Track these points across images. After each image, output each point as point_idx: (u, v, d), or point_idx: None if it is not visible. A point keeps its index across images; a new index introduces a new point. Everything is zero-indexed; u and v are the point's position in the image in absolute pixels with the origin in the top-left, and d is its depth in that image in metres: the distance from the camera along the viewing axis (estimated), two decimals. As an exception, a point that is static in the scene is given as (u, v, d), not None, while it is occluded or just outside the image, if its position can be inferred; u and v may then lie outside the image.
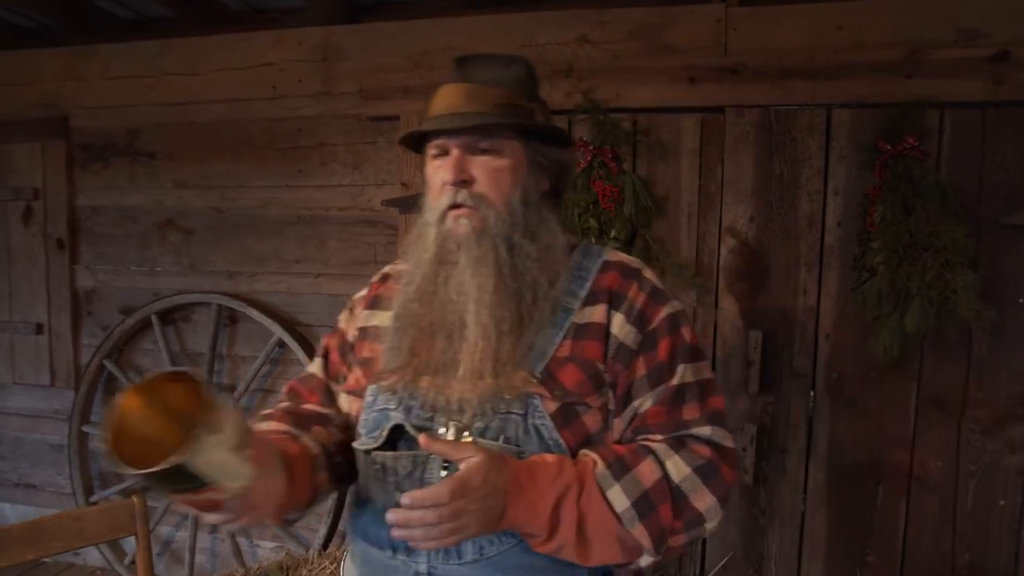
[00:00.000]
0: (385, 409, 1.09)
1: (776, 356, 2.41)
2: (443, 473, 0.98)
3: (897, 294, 2.18)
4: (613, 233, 2.38)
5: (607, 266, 1.14)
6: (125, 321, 3.07)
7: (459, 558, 1.00)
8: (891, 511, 2.37)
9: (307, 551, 2.81)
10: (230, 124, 2.96)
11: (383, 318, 1.18)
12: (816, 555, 2.44)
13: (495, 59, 1.15)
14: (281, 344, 2.88)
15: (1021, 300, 2.23)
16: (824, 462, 2.40)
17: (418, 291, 1.11)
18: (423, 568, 1.02)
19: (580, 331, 1.07)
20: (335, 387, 1.25)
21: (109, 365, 3.09)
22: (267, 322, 2.86)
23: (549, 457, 0.99)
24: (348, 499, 1.15)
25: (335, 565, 2.50)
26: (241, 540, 3.07)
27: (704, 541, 2.51)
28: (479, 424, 1.02)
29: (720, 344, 2.45)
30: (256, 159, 2.93)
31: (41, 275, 3.20)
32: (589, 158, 2.42)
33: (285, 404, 1.24)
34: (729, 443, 1.07)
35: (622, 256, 1.18)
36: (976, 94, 2.21)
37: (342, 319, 1.30)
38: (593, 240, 2.38)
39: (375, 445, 1.06)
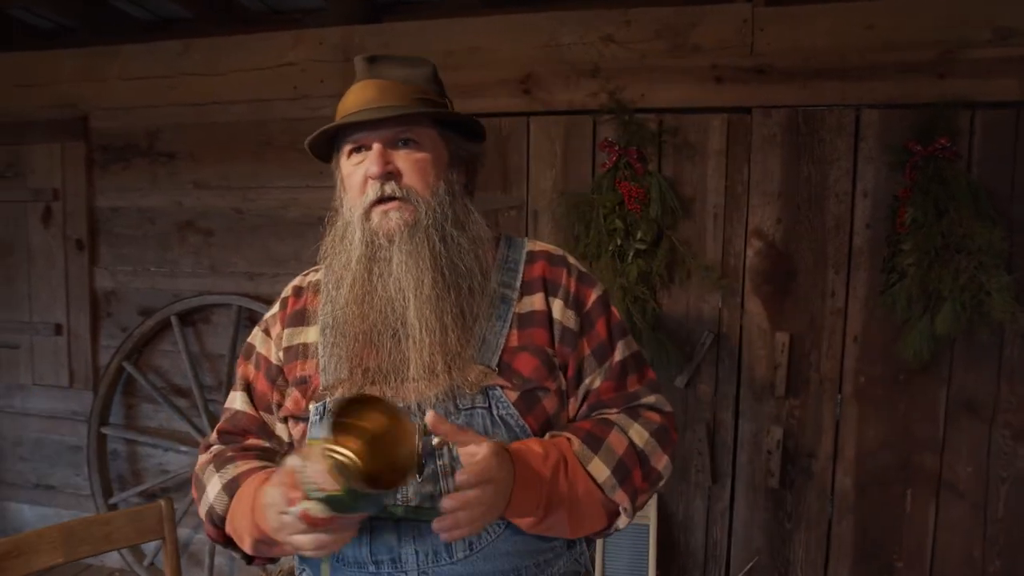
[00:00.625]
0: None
1: (803, 359, 2.39)
2: (417, 477, 0.95)
3: (928, 296, 2.16)
4: (639, 235, 2.36)
5: (533, 256, 1.16)
6: (144, 322, 3.07)
7: (450, 557, 0.99)
8: (920, 517, 2.34)
9: (328, 554, 2.80)
10: (251, 124, 2.95)
11: (310, 333, 1.14)
12: (843, 561, 2.41)
13: (402, 59, 1.16)
14: (301, 345, 2.86)
15: (1054, 303, 2.20)
16: (851, 467, 2.38)
17: (351, 293, 1.07)
18: (413, 574, 1.00)
19: (524, 320, 1.09)
20: (267, 418, 1.18)
21: (128, 367, 3.09)
22: (287, 323, 2.84)
23: (531, 443, 1.01)
24: None
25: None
26: (260, 542, 3.06)
27: (729, 545, 2.49)
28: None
29: (746, 347, 2.43)
30: (277, 160, 2.92)
31: (60, 276, 3.20)
32: (615, 159, 2.40)
33: (218, 448, 1.17)
34: (669, 408, 1.17)
35: (544, 245, 1.20)
36: (1010, 93, 2.19)
37: (258, 343, 1.22)
38: (619, 242, 2.36)
39: None
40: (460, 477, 0.85)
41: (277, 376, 1.17)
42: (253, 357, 1.21)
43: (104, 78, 3.11)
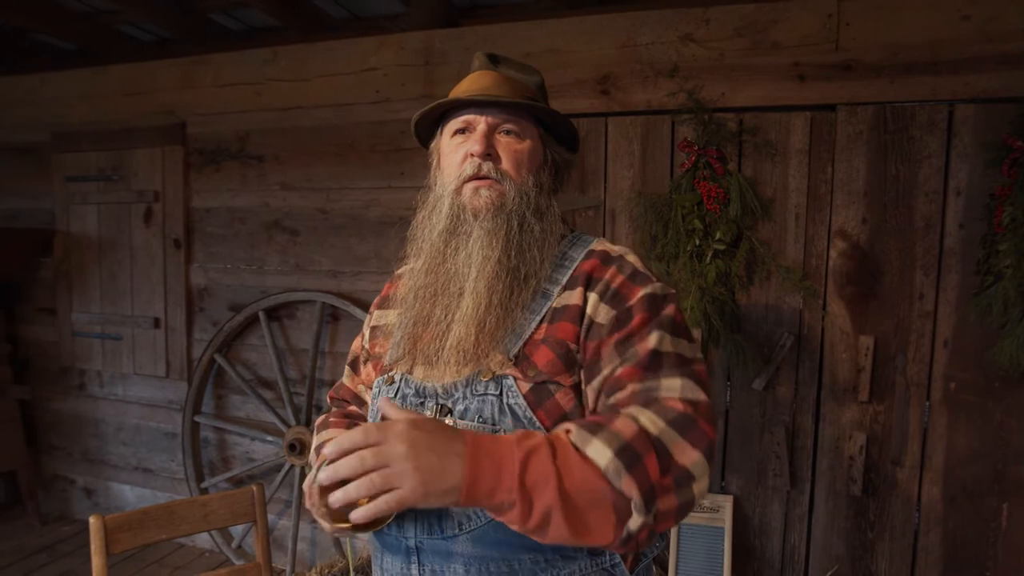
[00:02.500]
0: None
1: (888, 363, 2.31)
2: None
3: (1027, 300, 2.06)
4: (718, 235, 2.34)
5: (590, 254, 1.14)
6: (234, 317, 3.23)
7: (441, 532, 1.03)
8: (1017, 532, 2.23)
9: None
10: (334, 128, 3.06)
11: (391, 316, 1.24)
12: (931, 573, 2.32)
13: (518, 63, 1.23)
14: (381, 341, 2.95)
15: None
16: (940, 476, 2.29)
17: (425, 263, 1.14)
18: (411, 543, 1.05)
19: (556, 314, 1.08)
20: (363, 389, 1.33)
21: (219, 359, 3.25)
22: (368, 320, 2.94)
23: (513, 434, 0.94)
24: None
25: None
26: (340, 530, 3.18)
27: (807, 552, 2.44)
28: (460, 406, 1.06)
29: (828, 349, 2.37)
30: (359, 161, 3.03)
31: (159, 273, 3.40)
32: (694, 159, 2.39)
33: (327, 413, 1.34)
34: (702, 396, 0.97)
35: (608, 245, 1.16)
36: (1120, 86, 2.07)
37: (365, 323, 1.36)
38: (698, 242, 2.35)
39: None
40: (328, 448, 0.85)
41: (364, 352, 1.31)
42: (360, 335, 1.37)
43: (199, 86, 3.29)
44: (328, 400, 1.39)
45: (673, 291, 1.09)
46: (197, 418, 3.34)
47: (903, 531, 2.34)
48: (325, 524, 0.97)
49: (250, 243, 3.27)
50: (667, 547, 2.42)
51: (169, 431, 3.50)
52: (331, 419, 1.30)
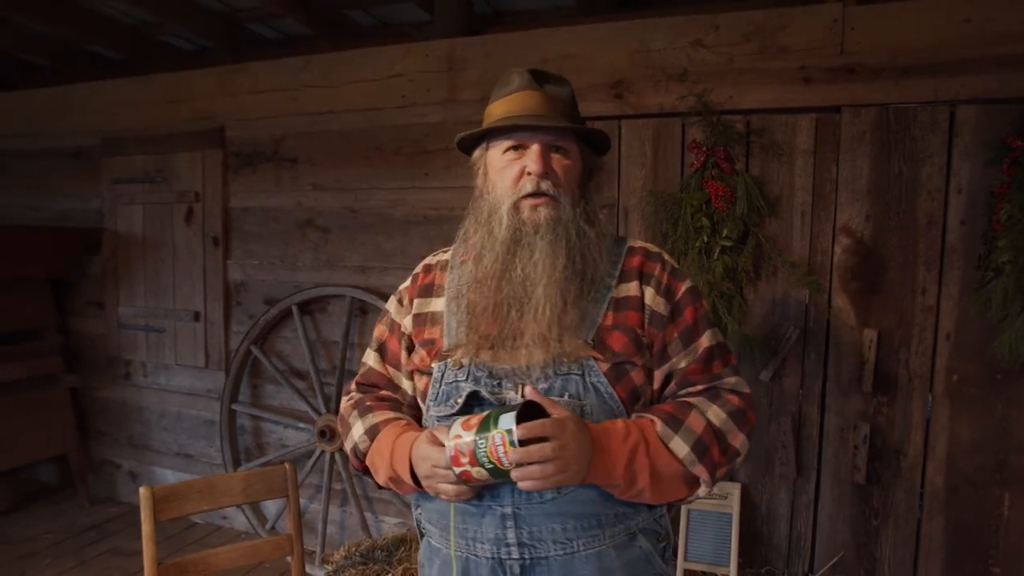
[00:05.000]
0: (455, 381, 1.24)
1: (891, 356, 2.39)
2: (490, 466, 1.10)
3: (1024, 294, 2.13)
4: (725, 232, 2.44)
5: (632, 251, 1.32)
6: (269, 311, 3.41)
7: (540, 498, 1.16)
8: (1019, 520, 2.29)
9: (428, 526, 3.03)
10: (363, 131, 3.23)
11: (437, 304, 1.34)
12: (933, 561, 2.39)
13: (555, 77, 1.33)
14: (406, 334, 3.10)
15: None
16: (943, 466, 2.36)
17: (492, 269, 1.24)
18: (508, 510, 1.16)
19: (619, 304, 1.26)
20: (394, 373, 1.42)
21: (255, 350, 3.44)
22: (394, 314, 3.09)
23: (616, 422, 1.16)
24: None
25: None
26: (367, 514, 3.34)
27: (813, 538, 2.52)
28: (543, 385, 1.18)
29: (833, 342, 2.45)
30: (386, 163, 3.18)
31: (199, 269, 3.60)
32: (702, 159, 2.49)
33: (358, 396, 1.42)
34: (747, 389, 1.28)
35: (643, 243, 1.36)
36: (1119, 86, 2.12)
37: (392, 310, 1.44)
38: (706, 239, 2.45)
39: (453, 411, 1.21)
40: (520, 431, 1.01)
41: (404, 339, 1.39)
42: (387, 321, 1.45)
43: (237, 92, 3.48)
44: (354, 386, 1.45)
45: (696, 283, 1.37)
46: (234, 406, 3.53)
47: (907, 519, 2.42)
48: (449, 488, 1.13)
49: (284, 241, 3.45)
50: (677, 532, 2.53)
51: (208, 419, 3.70)
52: (369, 402, 1.39)
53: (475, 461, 1.04)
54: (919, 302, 2.35)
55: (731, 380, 1.27)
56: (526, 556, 1.17)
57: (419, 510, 1.36)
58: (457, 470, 1.07)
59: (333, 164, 3.32)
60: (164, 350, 3.72)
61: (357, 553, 2.74)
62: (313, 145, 3.35)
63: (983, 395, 2.30)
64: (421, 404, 1.35)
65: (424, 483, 1.17)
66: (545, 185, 1.23)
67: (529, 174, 1.23)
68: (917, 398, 2.37)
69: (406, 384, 1.40)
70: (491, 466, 1.03)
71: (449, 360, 1.26)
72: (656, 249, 1.35)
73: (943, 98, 2.30)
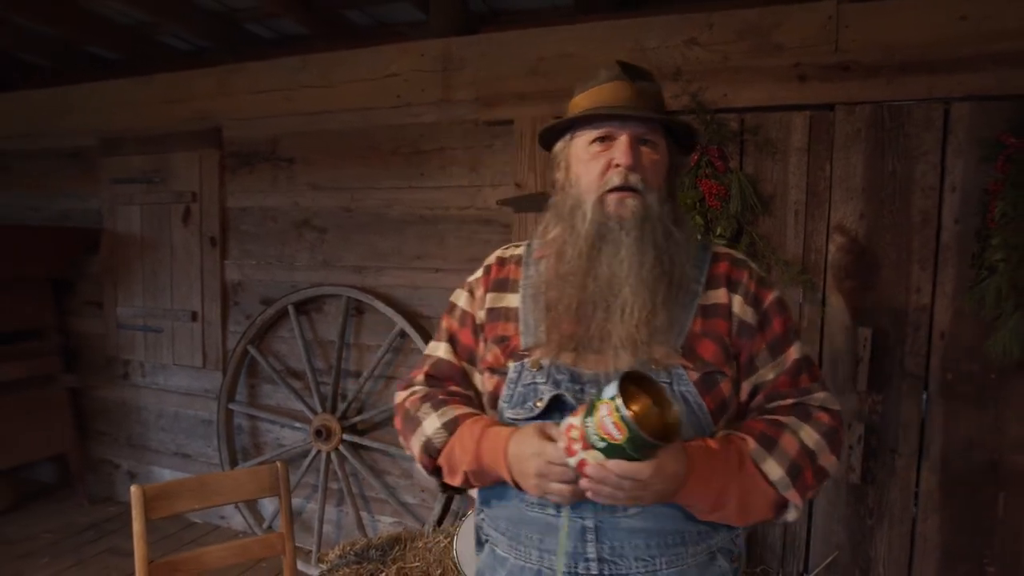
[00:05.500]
0: (533, 383, 1.17)
1: (886, 354, 2.38)
2: (601, 444, 1.05)
3: (1018, 293, 2.11)
4: (719, 230, 2.44)
5: (718, 256, 1.27)
6: (266, 311, 3.41)
7: (624, 510, 1.11)
8: (1014, 520, 2.28)
9: (423, 526, 3.03)
10: (358, 131, 3.23)
11: (511, 299, 1.28)
12: (928, 561, 2.38)
13: (644, 71, 1.27)
14: (402, 334, 3.11)
15: None
16: (938, 465, 2.35)
17: (575, 265, 1.18)
18: (590, 523, 1.12)
19: (708, 311, 1.21)
20: (468, 368, 1.34)
21: (252, 350, 3.45)
22: (390, 313, 3.10)
23: (713, 443, 1.11)
24: None
25: (448, 540, 2.70)
26: (364, 514, 3.34)
27: (808, 538, 2.51)
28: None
29: (827, 341, 2.44)
30: (381, 163, 3.19)
31: (197, 269, 3.61)
32: (696, 157, 2.48)
33: (425, 389, 1.33)
34: (837, 406, 1.23)
35: (728, 249, 1.32)
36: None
37: (462, 303, 1.36)
38: (699, 237, 2.44)
39: (533, 415, 1.16)
40: (613, 464, 0.97)
41: (478, 332, 1.32)
42: (457, 313, 1.37)
43: (234, 93, 3.49)
44: (422, 376, 1.36)
45: (781, 292, 1.33)
46: (231, 406, 3.54)
47: (901, 519, 2.40)
48: (564, 488, 1.05)
49: (281, 240, 3.46)
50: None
51: (205, 418, 3.71)
52: (442, 395, 1.30)
53: (587, 443, 0.97)
54: (913, 301, 2.34)
55: (820, 395, 1.22)
56: (605, 572, 1.12)
57: (482, 515, 1.30)
58: (572, 461, 1.00)
59: (329, 164, 3.32)
60: (162, 350, 3.73)
61: (352, 552, 2.74)
62: (309, 145, 3.36)
63: (978, 394, 2.29)
64: (487, 404, 1.29)
65: (534, 482, 1.07)
66: (633, 179, 1.17)
67: (617, 166, 1.17)
68: (912, 397, 2.36)
69: (479, 379, 1.33)
70: (603, 443, 0.96)
71: (527, 360, 1.19)
72: (742, 256, 1.31)
73: (937, 96, 2.28)
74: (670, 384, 1.14)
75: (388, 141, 3.17)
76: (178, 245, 3.65)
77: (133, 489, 1.86)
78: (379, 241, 3.22)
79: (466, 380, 1.34)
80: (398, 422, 1.35)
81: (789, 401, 1.20)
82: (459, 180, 3.04)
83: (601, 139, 1.20)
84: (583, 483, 1.00)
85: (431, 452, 1.26)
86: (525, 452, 1.08)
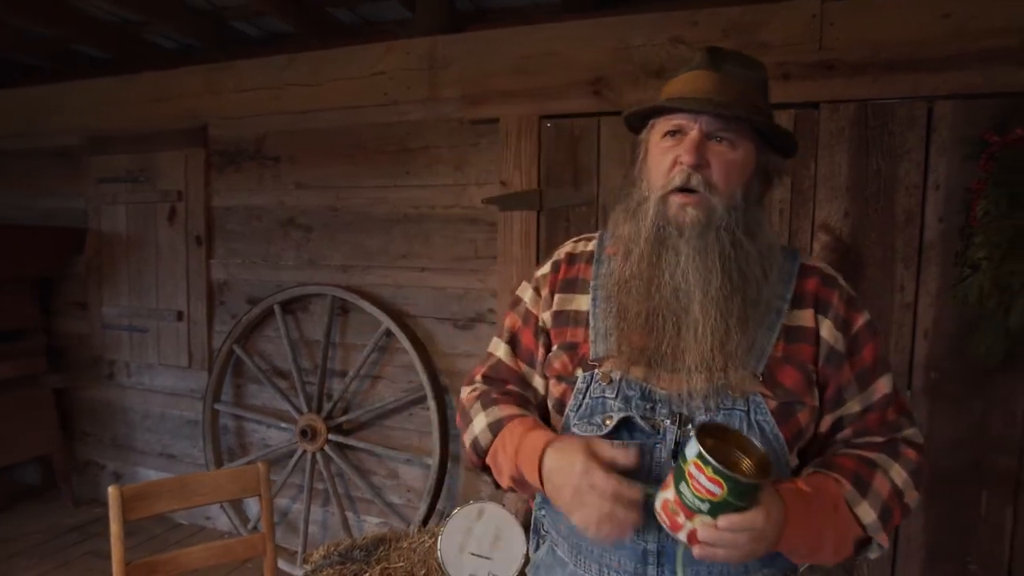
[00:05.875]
0: (602, 397, 1.11)
1: (871, 354, 2.37)
2: (673, 463, 1.01)
3: (1001, 291, 2.11)
4: (702, 229, 2.43)
5: (807, 270, 1.17)
6: (251, 310, 3.39)
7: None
8: (997, 519, 2.28)
9: (408, 526, 3.02)
10: (345, 130, 3.22)
11: (581, 302, 1.20)
12: (913, 560, 2.38)
13: (741, 58, 1.16)
14: (388, 333, 3.10)
15: None
16: (923, 464, 2.34)
17: (638, 269, 1.11)
18: (652, 547, 1.07)
19: (792, 334, 1.11)
20: (527, 370, 1.28)
21: (237, 349, 3.43)
22: (376, 312, 3.09)
23: (806, 486, 1.05)
24: None
25: (433, 540, 2.68)
26: (349, 514, 3.32)
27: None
28: (703, 418, 1.06)
29: (812, 340, 2.44)
30: (367, 161, 3.17)
31: (182, 268, 3.59)
32: (679, 156, 2.47)
33: (483, 387, 1.29)
34: (921, 439, 1.18)
35: (816, 261, 1.21)
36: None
37: (527, 299, 1.30)
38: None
39: (601, 433, 1.09)
40: (723, 521, 0.92)
41: (541, 334, 1.25)
42: (521, 310, 1.30)
43: (221, 91, 3.47)
44: (479, 377, 1.32)
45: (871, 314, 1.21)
46: (217, 406, 3.52)
47: (886, 518, 2.40)
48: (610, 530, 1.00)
49: (267, 239, 3.44)
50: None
51: (191, 419, 3.69)
52: (495, 394, 1.25)
53: (690, 511, 0.93)
54: (898, 299, 2.34)
55: (909, 432, 1.16)
56: None
57: (543, 511, 1.25)
58: (682, 535, 0.95)
59: (315, 162, 3.30)
60: (147, 350, 3.71)
61: (336, 553, 2.73)
62: (296, 143, 3.34)
63: (962, 393, 2.29)
64: (552, 409, 1.23)
65: (576, 513, 1.01)
66: (696, 180, 1.06)
67: (681, 164, 1.07)
68: (896, 396, 2.36)
69: (538, 382, 1.27)
70: (707, 504, 0.91)
71: (597, 372, 1.12)
72: (832, 272, 1.19)
73: (921, 94, 2.28)
74: (747, 412, 1.07)
75: (374, 139, 3.15)
76: (164, 244, 3.62)
77: (111, 490, 1.85)
78: (365, 240, 3.21)
79: (523, 383, 1.29)
80: (458, 419, 1.32)
81: (879, 440, 1.14)
82: (445, 179, 3.03)
83: (672, 132, 1.11)
84: (696, 552, 0.94)
85: (479, 452, 1.23)
86: (566, 471, 1.02)
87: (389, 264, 3.15)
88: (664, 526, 0.96)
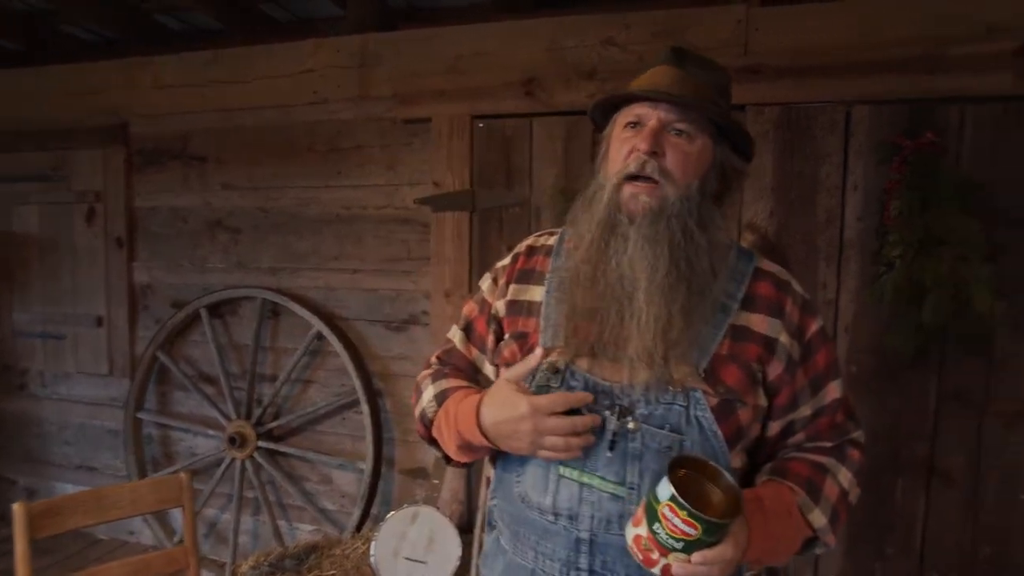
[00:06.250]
0: (547, 387, 1.11)
1: (796, 350, 2.45)
2: (608, 453, 1.06)
3: (914, 287, 2.21)
4: (634, 229, 2.46)
5: (760, 274, 1.17)
6: (176, 315, 3.27)
7: (620, 529, 1.05)
8: (910, 505, 2.38)
9: (341, 533, 2.95)
10: (274, 128, 3.13)
11: (535, 292, 1.22)
12: (835, 547, 2.46)
13: (704, 59, 1.19)
14: (320, 336, 3.03)
15: (1043, 294, 2.23)
16: (844, 455, 2.43)
17: (587, 254, 1.12)
18: (585, 535, 1.08)
19: (739, 333, 1.12)
20: (478, 356, 1.32)
21: (162, 356, 3.30)
22: (307, 315, 3.02)
23: (764, 498, 1.07)
24: (498, 465, 1.22)
25: (366, 545, 2.64)
26: (281, 522, 3.23)
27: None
28: (643, 410, 1.07)
29: (740, 337, 2.50)
30: (297, 161, 3.10)
31: (102, 272, 3.43)
32: (611, 156, 2.50)
33: (436, 368, 1.34)
34: (863, 439, 1.24)
35: (771, 265, 1.21)
36: (999, 88, 2.22)
37: (485, 288, 1.33)
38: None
39: None
40: (697, 557, 0.93)
41: (493, 322, 1.28)
42: (479, 299, 1.34)
43: (142, 87, 3.34)
44: (435, 359, 1.37)
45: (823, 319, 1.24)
46: (140, 415, 3.37)
47: (811, 508, 2.47)
48: (557, 442, 1.05)
49: (193, 242, 3.32)
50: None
51: (113, 429, 3.53)
52: (447, 370, 1.31)
53: (664, 549, 0.94)
54: (820, 296, 2.42)
55: (856, 434, 1.22)
56: None
57: (495, 501, 1.25)
58: (656, 570, 0.97)
59: (243, 162, 3.21)
60: (64, 358, 3.53)
61: (266, 563, 2.65)
62: (222, 142, 3.24)
63: (879, 386, 2.38)
64: None
65: (529, 448, 1.07)
66: (651, 167, 1.08)
67: (637, 151, 1.09)
68: (819, 390, 2.44)
69: (489, 369, 1.30)
70: (681, 543, 0.93)
71: (544, 362, 1.13)
72: (787, 276, 1.19)
73: (840, 98, 2.37)
74: (686, 408, 1.07)
75: (304, 138, 3.08)
76: (81, 247, 3.45)
77: (15, 507, 1.74)
78: (295, 241, 3.13)
79: (473, 369, 1.33)
80: (413, 398, 1.36)
81: (828, 444, 1.18)
82: (377, 179, 2.98)
83: (632, 124, 1.13)
84: None
85: (426, 423, 1.29)
86: (515, 421, 1.06)
87: (320, 266, 3.09)
88: (637, 559, 0.98)
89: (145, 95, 3.33)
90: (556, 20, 2.69)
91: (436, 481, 2.60)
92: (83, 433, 3.61)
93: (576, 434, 1.05)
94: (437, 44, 2.83)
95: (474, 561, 2.47)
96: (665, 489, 0.93)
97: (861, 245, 2.37)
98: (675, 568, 0.95)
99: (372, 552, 2.45)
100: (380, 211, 2.98)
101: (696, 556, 0.93)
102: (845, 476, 1.16)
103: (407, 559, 2.46)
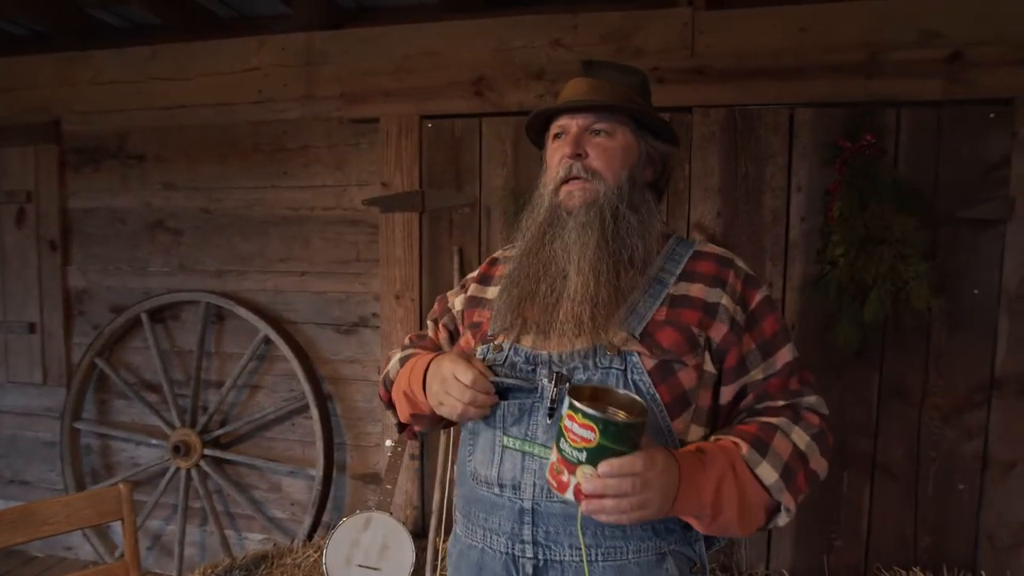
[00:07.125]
0: (494, 366, 1.18)
1: (744, 347, 2.49)
2: (547, 421, 1.10)
3: (856, 285, 2.27)
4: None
5: (700, 255, 1.23)
6: (115, 320, 3.15)
7: (561, 496, 1.03)
8: (856, 497, 2.45)
9: (292, 542, 2.89)
10: (217, 127, 3.04)
11: (492, 292, 1.33)
12: (785, 539, 2.52)
13: (617, 65, 1.30)
14: (267, 341, 2.96)
15: (976, 291, 2.31)
16: (791, 450, 2.48)
17: (524, 248, 1.23)
18: (527, 504, 1.10)
19: (677, 301, 1.16)
20: (446, 343, 1.43)
21: (100, 363, 3.17)
22: (253, 319, 2.94)
23: (707, 449, 1.07)
24: (461, 447, 1.27)
25: (318, 554, 2.58)
26: (229, 532, 3.15)
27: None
28: (580, 376, 1.11)
29: (690, 336, 2.53)
30: (242, 161, 3.02)
31: (34, 276, 3.28)
32: (561, 157, 2.50)
33: (408, 344, 1.44)
34: (825, 409, 1.22)
35: (714, 248, 1.27)
36: (934, 93, 2.30)
37: (451, 294, 1.46)
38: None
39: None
40: (603, 466, 0.92)
41: (446, 314, 1.42)
42: (444, 300, 1.46)
43: (77, 83, 3.20)
44: (408, 340, 1.46)
45: (769, 290, 1.28)
46: (77, 424, 3.24)
47: (760, 503, 2.52)
48: (454, 404, 1.11)
49: (132, 244, 3.20)
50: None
51: (48, 440, 3.38)
52: (417, 344, 1.42)
53: (571, 465, 0.93)
54: (766, 295, 2.46)
55: (811, 399, 1.20)
56: (540, 556, 1.10)
57: (456, 494, 1.30)
58: (568, 494, 0.95)
59: (185, 162, 3.11)
60: (-6, 366, 3.36)
61: (214, 574, 2.57)
62: (163, 141, 3.13)
63: (824, 382, 2.43)
64: None
65: (434, 398, 1.14)
66: (577, 168, 1.19)
67: (564, 157, 1.20)
68: (766, 387, 2.48)
69: None
70: (584, 452, 0.92)
71: (491, 344, 1.22)
72: (729, 255, 1.25)
73: (783, 101, 2.42)
74: (624, 371, 1.11)
75: (249, 138, 3.00)
76: (10, 249, 3.30)
77: (-64, 526, 1.64)
78: (240, 243, 3.05)
79: (438, 350, 1.41)
80: (380, 370, 1.48)
81: (779, 403, 1.18)
82: (324, 179, 2.92)
83: (558, 135, 1.24)
84: (585, 507, 0.95)
85: (387, 385, 1.38)
86: (442, 372, 1.13)
87: (267, 268, 3.01)
88: (552, 489, 0.98)
89: (81, 91, 3.20)
90: (505, 20, 2.68)
91: (389, 486, 2.56)
92: (15, 445, 3.45)
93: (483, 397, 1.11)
94: (385, 43, 2.79)
95: (428, 566, 2.44)
96: (565, 403, 0.94)
97: (805, 245, 2.43)
98: (585, 485, 0.93)
99: (324, 560, 2.40)
100: (328, 212, 2.93)
101: (602, 467, 0.92)
102: (800, 436, 1.14)
103: (360, 566, 2.42)
